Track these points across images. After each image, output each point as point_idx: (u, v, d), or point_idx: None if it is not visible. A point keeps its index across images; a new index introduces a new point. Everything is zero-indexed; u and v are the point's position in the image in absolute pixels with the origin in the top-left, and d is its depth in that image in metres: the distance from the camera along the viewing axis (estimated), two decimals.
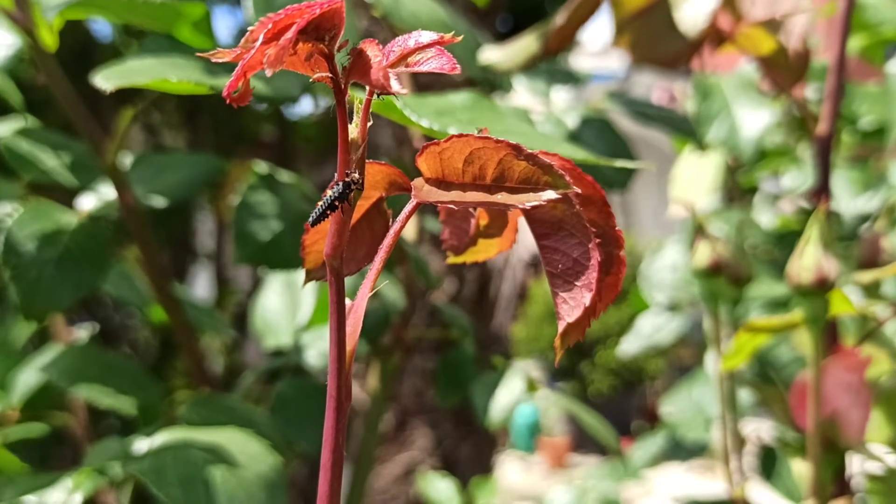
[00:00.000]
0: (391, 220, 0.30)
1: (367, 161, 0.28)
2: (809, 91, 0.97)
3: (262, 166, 0.65)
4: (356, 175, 0.26)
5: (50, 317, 0.59)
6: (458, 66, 0.23)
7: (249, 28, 0.22)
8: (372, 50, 0.23)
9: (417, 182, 0.28)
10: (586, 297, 0.29)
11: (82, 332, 0.85)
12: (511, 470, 4.00)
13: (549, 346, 4.43)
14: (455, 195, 0.26)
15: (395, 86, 0.22)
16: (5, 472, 0.74)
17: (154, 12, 0.49)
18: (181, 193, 0.64)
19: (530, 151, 0.25)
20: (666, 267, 1.09)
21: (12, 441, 0.74)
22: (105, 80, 0.43)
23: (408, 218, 0.27)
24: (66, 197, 0.65)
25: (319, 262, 0.31)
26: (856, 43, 0.97)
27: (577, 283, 0.29)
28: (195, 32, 0.51)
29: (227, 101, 0.22)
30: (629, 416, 4.50)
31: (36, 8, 0.55)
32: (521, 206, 0.25)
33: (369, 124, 0.26)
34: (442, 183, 0.27)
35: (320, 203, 0.26)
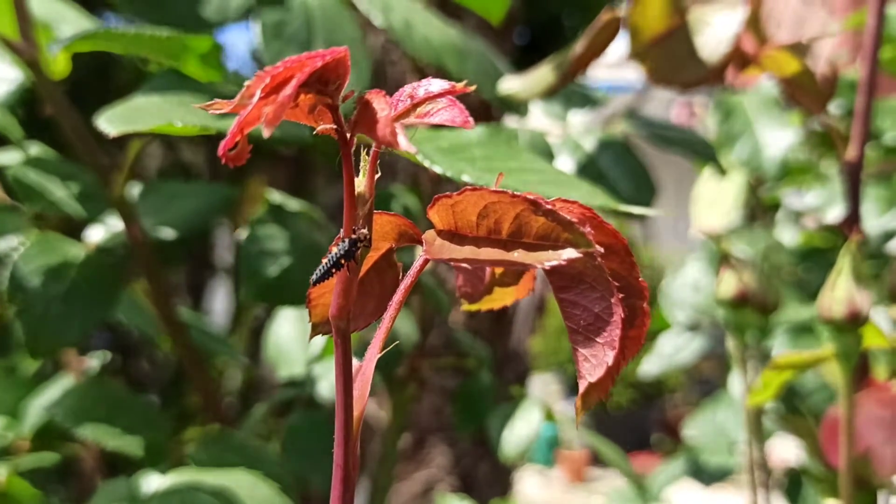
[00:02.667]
0: (401, 273, 0.29)
1: (375, 212, 0.27)
2: (832, 107, 0.95)
3: (273, 195, 0.63)
4: (364, 231, 0.24)
5: (57, 352, 0.58)
6: (470, 120, 0.21)
7: (245, 84, 0.20)
8: (378, 102, 0.22)
9: (428, 235, 0.26)
10: (608, 356, 0.27)
11: (93, 362, 0.84)
12: (530, 484, 3.97)
13: (568, 359, 4.40)
14: (468, 251, 0.25)
15: (402, 143, 0.20)
16: (19, 502, 0.73)
17: (160, 45, 0.48)
18: (191, 224, 0.63)
19: (548, 207, 0.24)
20: (687, 285, 1.07)
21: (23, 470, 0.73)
22: (108, 123, 0.41)
23: (418, 274, 0.26)
24: (73, 225, 0.64)
25: (326, 315, 0.29)
26: None
27: (598, 340, 0.27)
28: (203, 66, 0.49)
29: (223, 162, 0.20)
30: (649, 429, 4.46)
31: (41, 39, 0.54)
32: (538, 266, 0.23)
33: (377, 176, 0.25)
34: (455, 236, 0.26)
35: (325, 260, 0.25)
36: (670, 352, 1.06)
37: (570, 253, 0.23)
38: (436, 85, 0.22)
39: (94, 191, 0.62)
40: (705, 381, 4.12)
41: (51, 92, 0.54)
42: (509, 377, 1.37)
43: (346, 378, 0.25)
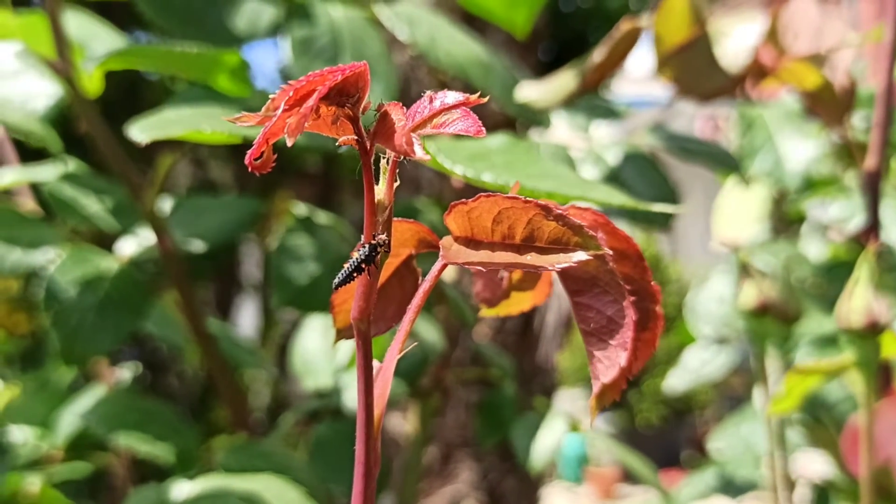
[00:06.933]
0: (421, 278, 0.30)
1: (395, 219, 0.28)
2: (857, 118, 0.95)
3: (300, 208, 0.65)
4: (383, 237, 0.26)
5: (90, 361, 0.60)
6: (482, 129, 0.22)
7: (270, 96, 0.21)
8: (396, 113, 0.23)
9: (446, 241, 0.27)
10: (622, 357, 0.28)
11: (125, 373, 0.86)
12: (558, 501, 3.95)
13: None
14: (484, 255, 0.26)
15: (418, 151, 0.21)
16: None
17: (191, 62, 0.49)
18: (220, 237, 0.65)
19: (559, 212, 0.25)
20: (713, 298, 1.06)
21: (57, 481, 0.75)
22: (140, 131, 0.43)
23: (436, 278, 0.27)
24: (107, 238, 0.66)
25: (349, 321, 0.30)
26: None
27: (611, 343, 0.28)
28: (232, 80, 0.51)
29: (250, 170, 0.21)
30: (679, 446, 4.42)
31: (77, 57, 0.56)
32: (550, 269, 0.24)
33: (396, 184, 0.26)
34: (471, 242, 0.27)
35: (346, 265, 0.26)
36: (697, 366, 1.06)
37: (580, 256, 0.24)
38: (451, 97, 0.24)
39: (127, 205, 0.64)
40: (735, 397, 4.07)
41: (85, 109, 0.56)
42: (536, 392, 1.37)
43: (366, 378, 0.26)
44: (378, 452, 0.26)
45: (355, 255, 0.26)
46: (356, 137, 0.24)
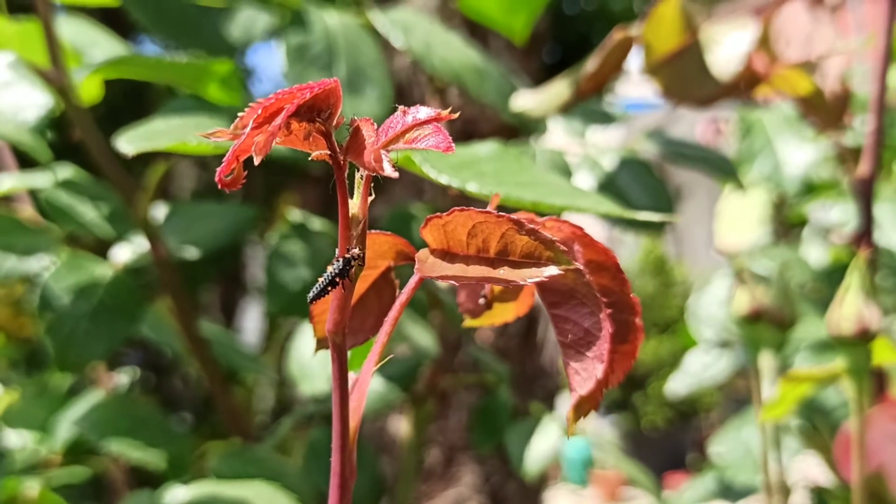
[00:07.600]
0: (398, 290, 0.30)
1: (373, 232, 0.28)
2: (857, 123, 0.95)
3: (295, 214, 0.65)
4: (356, 251, 0.26)
5: (85, 367, 0.60)
6: (452, 146, 0.22)
7: (239, 116, 0.22)
8: (367, 129, 0.23)
9: (421, 254, 0.27)
10: (598, 369, 0.28)
11: (123, 378, 0.87)
12: (562, 503, 3.94)
13: None
14: (458, 269, 0.26)
15: (386, 169, 0.22)
16: None
17: (182, 71, 0.50)
18: (215, 244, 0.65)
19: (531, 226, 0.25)
20: (714, 302, 1.06)
21: (56, 485, 0.75)
22: (128, 143, 0.43)
23: (412, 291, 0.27)
24: (102, 243, 0.66)
25: None
26: None
27: (588, 355, 0.28)
28: (223, 89, 0.51)
29: (220, 186, 0.22)
30: (684, 448, 4.41)
31: (73, 64, 0.56)
32: (522, 283, 0.24)
33: (371, 198, 0.26)
34: (447, 255, 0.27)
35: (321, 279, 0.26)
36: (698, 370, 1.05)
37: (551, 270, 0.24)
38: (423, 112, 0.24)
39: (122, 212, 0.64)
40: (741, 400, 4.06)
41: (79, 117, 0.56)
42: (538, 395, 1.37)
43: (342, 390, 0.26)
44: (354, 463, 0.26)
45: (330, 268, 0.26)
46: (329, 152, 0.24)
